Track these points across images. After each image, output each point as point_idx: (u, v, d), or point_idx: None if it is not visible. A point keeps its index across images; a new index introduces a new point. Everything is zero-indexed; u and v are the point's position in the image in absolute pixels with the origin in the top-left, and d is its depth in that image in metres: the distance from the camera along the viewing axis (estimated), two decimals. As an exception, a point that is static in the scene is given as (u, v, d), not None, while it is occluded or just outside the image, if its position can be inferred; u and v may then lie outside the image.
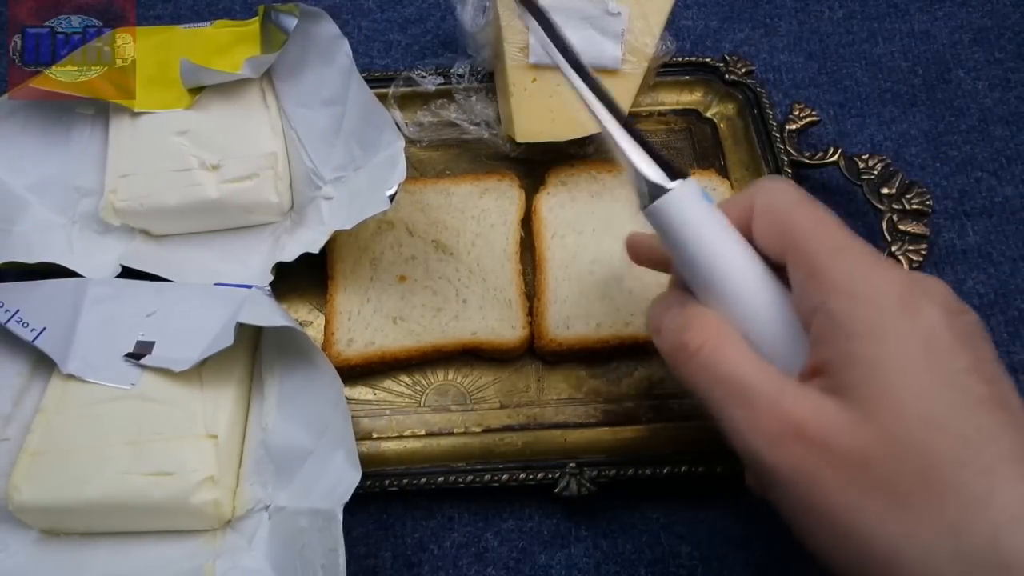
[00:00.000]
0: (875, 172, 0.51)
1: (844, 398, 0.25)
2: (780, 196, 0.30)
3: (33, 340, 0.40)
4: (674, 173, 0.29)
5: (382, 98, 0.45)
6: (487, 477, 0.41)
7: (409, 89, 0.55)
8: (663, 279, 0.47)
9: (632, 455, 0.42)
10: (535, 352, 0.46)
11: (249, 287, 0.44)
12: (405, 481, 0.41)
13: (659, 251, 0.36)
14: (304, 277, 0.48)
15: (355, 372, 0.45)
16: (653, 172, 0.30)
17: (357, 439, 0.37)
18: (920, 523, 0.23)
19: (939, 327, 0.25)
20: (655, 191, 0.29)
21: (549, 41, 0.32)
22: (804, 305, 0.27)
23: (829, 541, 0.25)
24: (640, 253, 0.38)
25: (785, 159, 0.52)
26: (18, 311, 0.40)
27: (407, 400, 0.45)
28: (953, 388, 0.24)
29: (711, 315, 0.29)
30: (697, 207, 0.29)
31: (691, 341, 0.28)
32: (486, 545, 0.42)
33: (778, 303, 0.28)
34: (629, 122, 0.31)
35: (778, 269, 0.29)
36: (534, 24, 0.33)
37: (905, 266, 0.47)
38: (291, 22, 0.47)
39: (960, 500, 0.23)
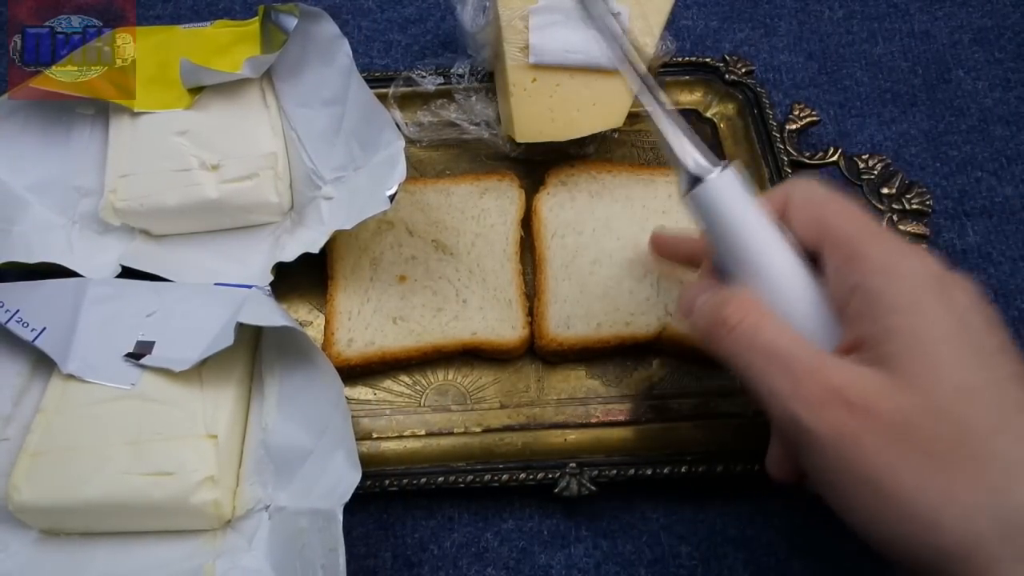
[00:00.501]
0: (875, 172, 0.51)
1: (883, 367, 0.26)
2: (816, 190, 0.32)
3: (33, 340, 0.40)
4: (719, 160, 0.31)
5: (382, 98, 0.45)
6: (487, 477, 0.41)
7: (409, 89, 0.55)
8: (661, 275, 0.47)
9: (632, 455, 0.42)
10: (535, 352, 0.46)
11: (249, 287, 0.44)
12: (405, 481, 0.41)
13: (685, 246, 0.40)
14: (304, 277, 0.48)
15: (355, 372, 0.45)
16: (701, 157, 0.31)
17: (357, 439, 0.37)
18: (960, 485, 0.24)
19: (971, 309, 0.27)
20: (700, 176, 0.31)
21: (604, 26, 0.34)
22: (840, 287, 0.29)
23: (867, 504, 0.26)
24: (666, 247, 0.41)
25: (785, 159, 0.52)
26: (18, 311, 0.40)
27: (407, 400, 0.45)
28: (986, 363, 0.26)
29: (748, 293, 0.30)
30: (740, 193, 0.31)
31: (731, 316, 0.29)
32: (486, 545, 0.42)
33: (811, 286, 0.30)
34: (675, 110, 0.32)
35: (810, 259, 0.31)
36: (592, 6, 0.34)
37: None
38: (291, 22, 0.47)
39: (998, 464, 0.24)
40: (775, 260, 0.30)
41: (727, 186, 0.31)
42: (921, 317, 0.26)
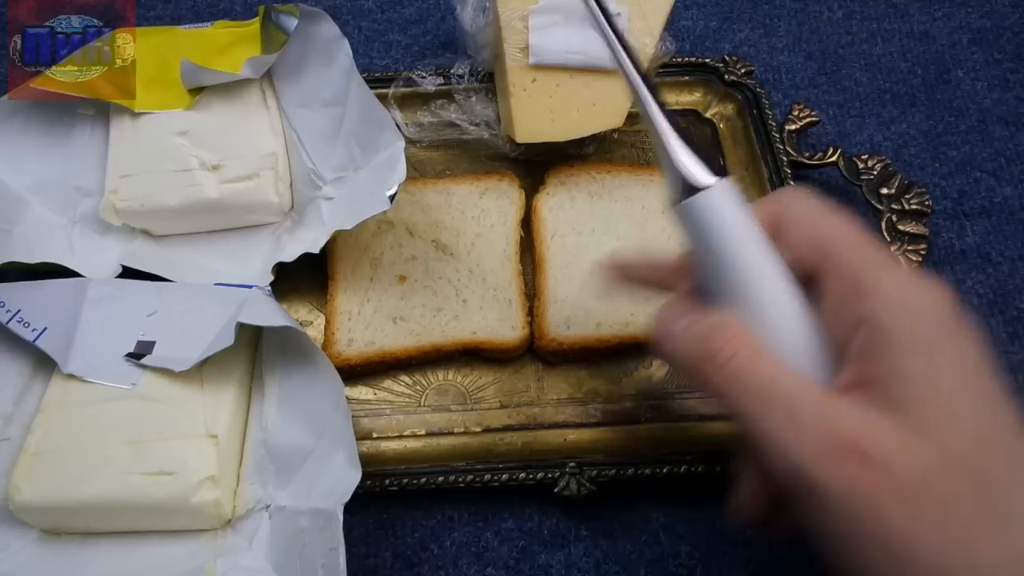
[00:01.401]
0: (874, 172, 0.51)
1: (896, 413, 0.24)
2: (812, 205, 0.29)
3: (34, 340, 0.40)
4: (714, 170, 0.28)
5: (382, 98, 0.45)
6: (487, 477, 0.41)
7: (409, 89, 0.55)
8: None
9: (632, 455, 0.42)
10: (535, 352, 0.46)
11: (249, 287, 0.44)
12: (405, 481, 0.41)
13: (653, 269, 0.35)
14: (304, 277, 0.48)
15: (355, 372, 0.45)
16: (694, 167, 0.28)
17: (357, 439, 0.37)
18: (983, 547, 0.22)
19: (982, 353, 0.25)
20: (693, 187, 0.28)
21: (605, 24, 0.31)
22: (842, 319, 0.26)
23: (883, 568, 0.23)
24: (632, 271, 0.36)
25: (784, 159, 0.52)
26: (19, 311, 0.40)
27: (407, 400, 0.45)
28: (999, 414, 0.24)
29: (736, 322, 0.27)
30: (737, 209, 0.28)
31: (722, 350, 0.26)
32: (486, 545, 0.42)
33: (805, 315, 0.27)
34: (672, 115, 0.29)
35: (803, 282, 0.28)
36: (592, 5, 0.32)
37: (905, 266, 0.47)
38: (291, 23, 0.47)
39: (1021, 522, 0.22)
40: (769, 285, 0.28)
41: (723, 199, 0.28)
42: (937, 361, 0.24)
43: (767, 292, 0.28)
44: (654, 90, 0.30)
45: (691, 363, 0.28)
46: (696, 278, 0.31)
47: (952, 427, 0.23)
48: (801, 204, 0.29)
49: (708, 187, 0.28)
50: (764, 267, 0.28)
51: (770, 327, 0.27)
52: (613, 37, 0.31)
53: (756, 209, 0.29)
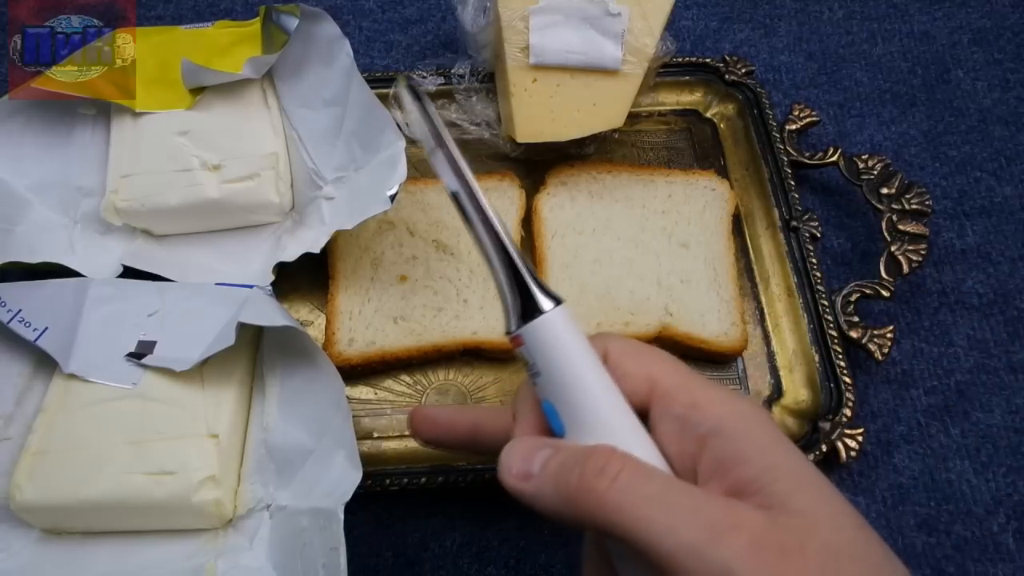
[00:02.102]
0: (875, 172, 0.51)
1: (781, 510, 0.24)
2: (634, 344, 0.29)
3: (35, 340, 0.40)
4: (551, 297, 0.28)
5: (383, 98, 0.45)
6: (487, 477, 0.41)
7: (410, 89, 0.55)
8: (661, 276, 0.47)
9: (632, 454, 0.42)
10: (535, 352, 0.46)
11: (250, 287, 0.44)
12: (406, 481, 0.41)
13: (463, 419, 0.33)
14: (305, 277, 0.48)
15: (356, 372, 0.45)
16: (536, 292, 0.28)
17: (358, 438, 0.38)
18: None
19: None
20: (532, 312, 0.27)
21: (428, 132, 0.29)
22: (684, 439, 0.26)
23: None
24: (439, 425, 0.33)
25: (785, 159, 0.52)
26: (20, 311, 0.40)
27: (408, 399, 0.45)
28: (839, 498, 0.25)
29: (607, 446, 0.26)
30: (574, 332, 0.28)
31: (609, 465, 0.25)
32: (487, 544, 0.42)
33: (648, 436, 0.27)
34: (510, 239, 0.29)
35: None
36: (414, 112, 0.30)
37: (905, 267, 0.47)
38: (292, 23, 0.47)
39: None
40: (619, 410, 0.27)
41: (566, 323, 0.27)
42: (791, 455, 0.25)
43: (617, 415, 0.27)
44: (490, 212, 0.28)
45: (568, 494, 0.26)
46: (537, 416, 0.29)
47: (834, 508, 0.24)
48: (622, 342, 0.29)
49: (550, 310, 0.27)
50: (610, 392, 0.27)
51: (629, 449, 0.26)
52: (449, 144, 0.29)
53: None
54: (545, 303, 0.27)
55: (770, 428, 0.26)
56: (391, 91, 0.54)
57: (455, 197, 0.29)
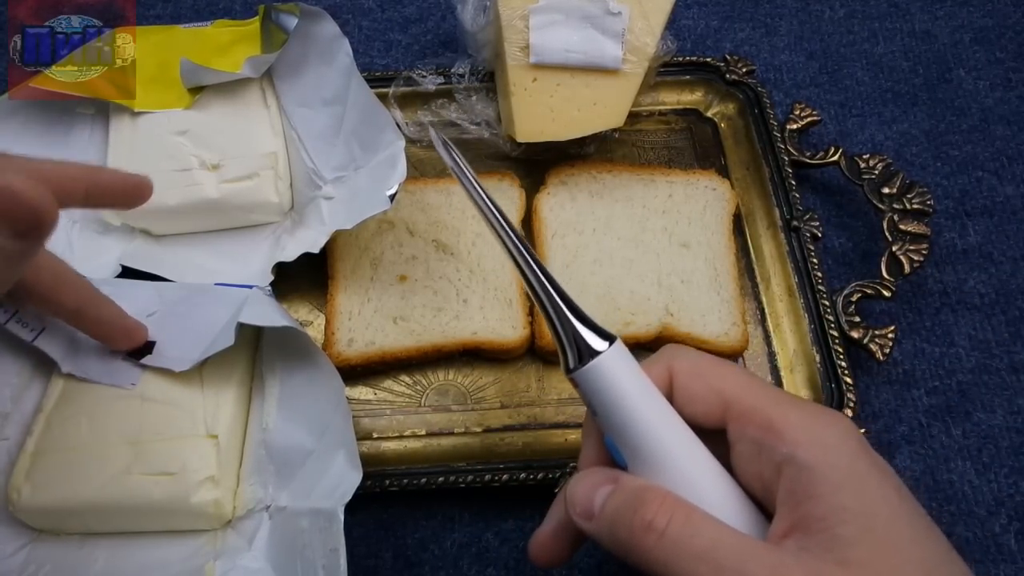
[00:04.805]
0: (876, 172, 0.51)
1: (841, 554, 0.23)
2: (701, 360, 0.29)
3: (32, 340, 0.40)
4: (604, 335, 0.28)
5: (382, 98, 0.45)
6: (487, 477, 0.41)
7: (409, 89, 0.55)
8: (662, 276, 0.47)
9: (633, 455, 0.42)
10: (535, 352, 0.46)
11: (250, 287, 0.44)
12: (406, 481, 0.41)
13: (562, 535, 0.31)
14: (304, 277, 0.48)
15: (356, 372, 0.45)
16: (586, 334, 0.28)
17: (357, 439, 0.37)
18: None
19: (895, 474, 0.25)
20: (587, 354, 0.28)
21: (479, 194, 0.31)
22: (759, 464, 0.26)
23: None
24: (556, 539, 0.31)
25: (786, 159, 0.52)
26: (17, 311, 0.40)
27: (408, 400, 0.45)
28: (933, 536, 0.24)
29: (661, 487, 0.26)
30: (630, 370, 0.28)
31: (657, 518, 0.25)
32: (487, 545, 0.42)
33: (715, 466, 0.27)
34: (557, 282, 0.29)
35: (700, 433, 0.28)
36: (460, 173, 0.32)
37: (906, 266, 0.47)
38: (291, 22, 0.47)
39: None
40: (675, 441, 0.27)
41: (619, 362, 0.28)
42: (869, 492, 0.24)
43: (680, 452, 0.27)
44: (534, 257, 0.29)
45: (623, 539, 0.26)
46: (605, 441, 0.29)
47: (899, 560, 0.23)
48: (688, 360, 0.29)
49: (602, 352, 0.27)
50: (672, 427, 0.27)
51: (683, 484, 0.26)
52: (489, 205, 0.30)
53: (647, 370, 0.29)
54: (597, 343, 0.28)
55: (847, 460, 0.25)
56: (391, 90, 0.54)
57: (503, 243, 0.30)
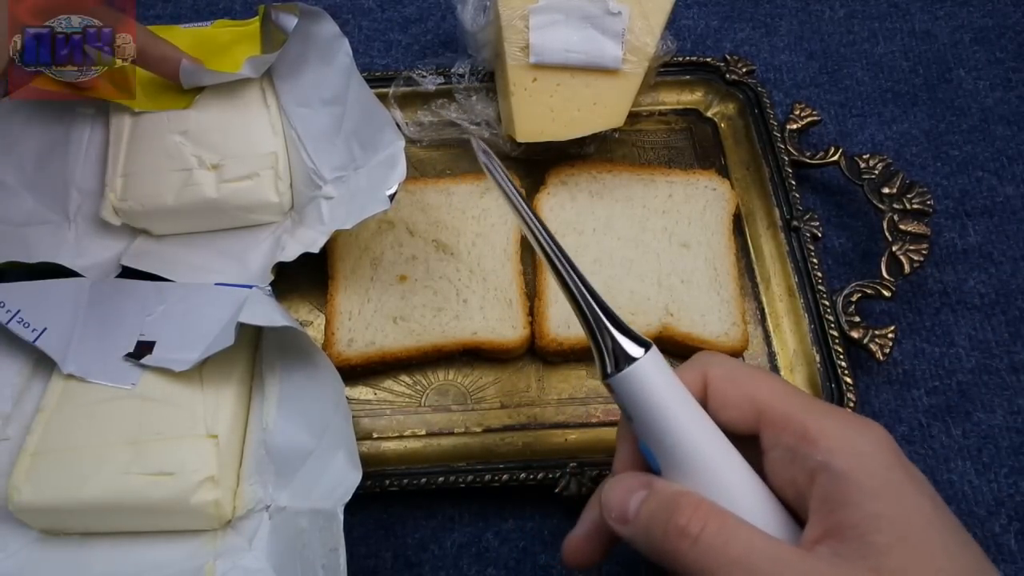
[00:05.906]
0: (876, 172, 0.51)
1: (874, 561, 0.23)
2: (735, 367, 0.29)
3: (34, 340, 0.40)
4: (640, 341, 0.28)
5: (382, 98, 0.45)
6: (487, 477, 0.41)
7: (409, 89, 0.55)
8: (662, 276, 0.47)
9: (633, 455, 0.42)
10: (535, 352, 0.46)
11: (250, 287, 0.44)
12: (406, 481, 0.41)
13: (595, 538, 0.31)
14: (304, 277, 0.48)
15: (355, 372, 0.45)
16: (623, 340, 0.28)
17: (357, 439, 0.37)
18: None
19: (929, 483, 0.25)
20: (623, 360, 0.28)
21: (521, 207, 0.31)
22: (793, 470, 0.26)
23: None
24: (587, 542, 0.31)
25: (786, 159, 0.52)
26: (19, 311, 0.40)
27: (407, 400, 0.45)
28: (967, 545, 0.24)
29: (695, 493, 0.27)
30: (669, 377, 0.28)
31: (691, 524, 0.25)
32: (487, 545, 0.42)
33: (749, 472, 0.27)
34: (595, 289, 0.30)
35: (734, 439, 0.28)
36: (504, 189, 0.32)
37: (907, 267, 0.47)
38: (291, 22, 0.47)
39: None
40: (709, 447, 0.27)
41: (654, 369, 0.28)
42: (904, 502, 0.24)
43: (709, 454, 0.27)
44: (572, 264, 0.30)
45: (658, 544, 0.26)
46: (640, 446, 0.29)
47: (929, 569, 0.23)
48: (722, 367, 0.29)
49: (639, 358, 0.28)
50: (707, 432, 0.28)
51: (717, 489, 0.27)
52: (531, 216, 0.31)
53: (681, 376, 0.29)
54: (633, 350, 0.28)
55: (882, 468, 0.25)
56: (391, 90, 0.54)
57: (541, 250, 0.30)
